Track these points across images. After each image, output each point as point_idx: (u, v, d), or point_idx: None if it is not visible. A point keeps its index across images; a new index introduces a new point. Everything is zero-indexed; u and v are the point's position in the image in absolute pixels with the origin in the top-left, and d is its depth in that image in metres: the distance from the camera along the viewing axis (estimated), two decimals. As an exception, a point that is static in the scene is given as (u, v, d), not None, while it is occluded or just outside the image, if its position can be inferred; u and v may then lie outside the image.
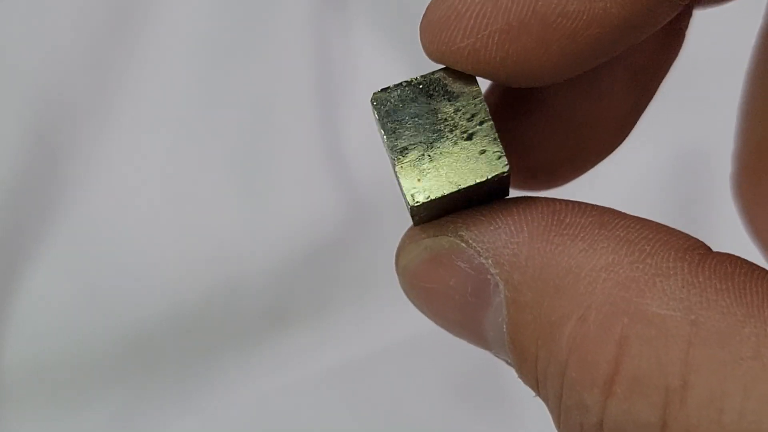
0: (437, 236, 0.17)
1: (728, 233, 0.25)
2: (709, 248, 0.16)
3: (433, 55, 0.17)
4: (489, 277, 0.16)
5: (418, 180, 0.17)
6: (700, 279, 0.15)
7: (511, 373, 0.17)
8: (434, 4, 0.17)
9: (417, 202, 0.17)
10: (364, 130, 0.43)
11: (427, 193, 0.17)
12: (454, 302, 0.17)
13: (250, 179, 0.42)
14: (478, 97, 0.17)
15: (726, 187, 0.24)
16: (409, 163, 0.17)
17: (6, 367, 0.39)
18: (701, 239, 0.16)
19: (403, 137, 0.17)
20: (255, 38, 0.44)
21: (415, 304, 0.18)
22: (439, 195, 0.17)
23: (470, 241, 0.17)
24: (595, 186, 0.31)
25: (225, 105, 0.43)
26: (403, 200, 0.17)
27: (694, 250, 0.15)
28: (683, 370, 0.14)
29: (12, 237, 0.40)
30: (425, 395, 0.40)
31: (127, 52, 0.43)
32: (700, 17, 0.21)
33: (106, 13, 0.43)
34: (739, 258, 0.15)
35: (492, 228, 0.17)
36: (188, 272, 0.40)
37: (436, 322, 0.18)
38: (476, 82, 0.17)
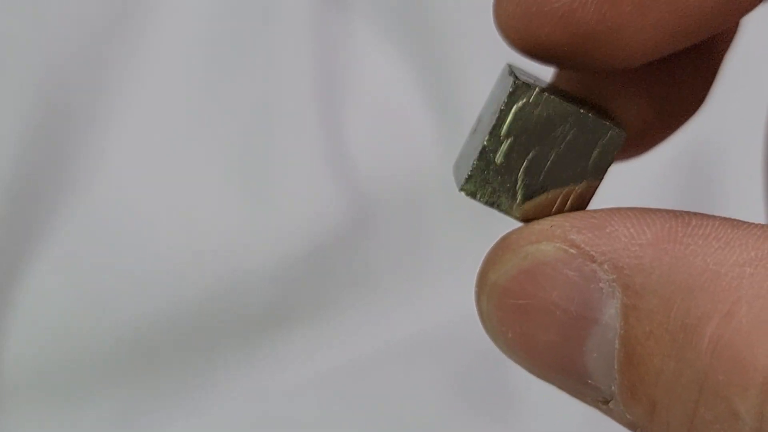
0: (541, 242, 0.15)
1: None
2: None
3: (513, 22, 0.16)
4: (601, 285, 0.15)
5: None
6: None
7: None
8: None
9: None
10: (367, 128, 0.44)
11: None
12: (553, 320, 0.15)
13: (252, 178, 0.42)
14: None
15: (738, 182, 0.23)
16: None
17: (6, 367, 0.39)
18: None
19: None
20: (256, 37, 0.44)
21: (497, 331, 0.16)
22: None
23: (582, 245, 0.15)
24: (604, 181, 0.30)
25: (227, 104, 0.43)
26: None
27: None
28: None
29: (12, 236, 0.40)
30: (427, 395, 0.40)
31: (127, 52, 0.43)
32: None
33: (107, 13, 0.43)
34: None
35: (608, 231, 0.15)
36: (190, 271, 0.40)
37: (520, 351, 0.16)
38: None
